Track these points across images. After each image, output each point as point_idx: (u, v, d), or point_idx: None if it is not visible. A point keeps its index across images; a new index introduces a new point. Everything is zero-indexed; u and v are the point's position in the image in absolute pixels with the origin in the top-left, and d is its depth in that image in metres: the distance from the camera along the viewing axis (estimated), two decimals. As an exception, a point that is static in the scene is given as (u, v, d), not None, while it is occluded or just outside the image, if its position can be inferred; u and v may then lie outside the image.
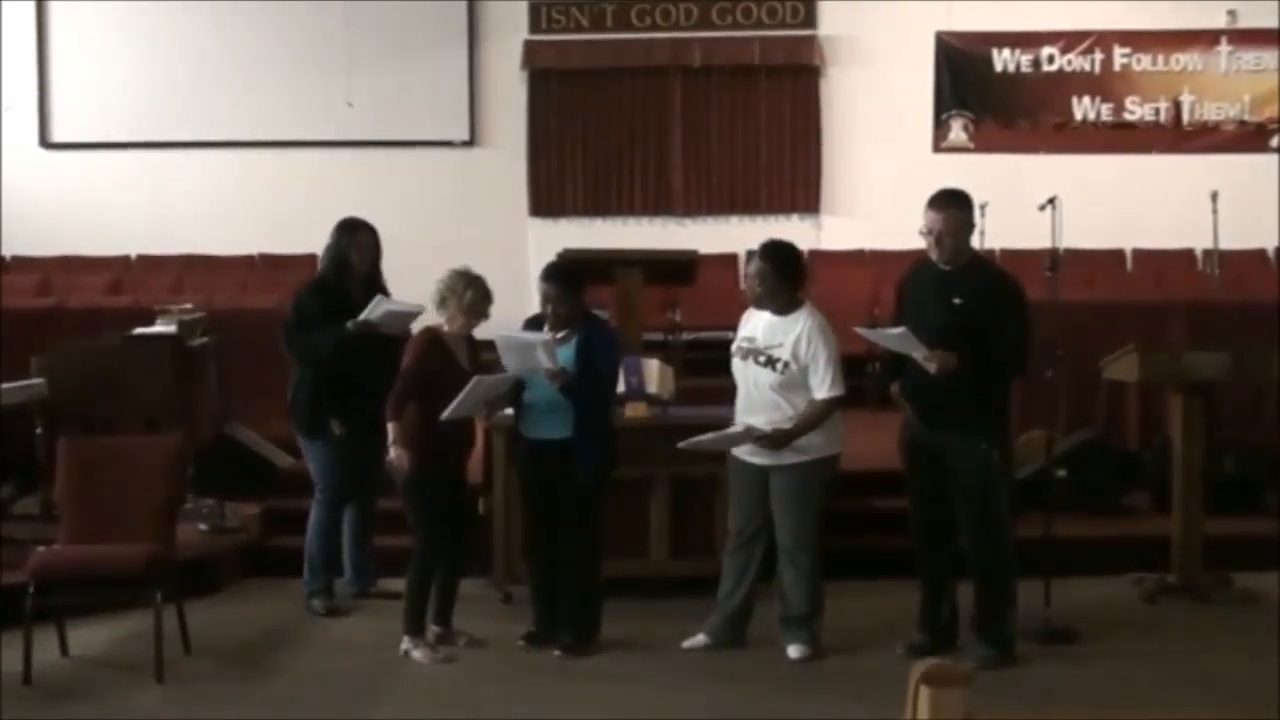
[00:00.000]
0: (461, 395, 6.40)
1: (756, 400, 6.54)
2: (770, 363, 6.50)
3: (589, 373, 6.59)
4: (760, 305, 6.61)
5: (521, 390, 6.64)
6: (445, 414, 6.44)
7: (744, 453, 6.63)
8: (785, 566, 6.63)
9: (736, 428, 6.54)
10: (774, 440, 6.45)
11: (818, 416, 6.47)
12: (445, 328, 6.71)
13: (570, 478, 6.60)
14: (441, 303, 6.68)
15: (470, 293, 6.65)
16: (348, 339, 7.18)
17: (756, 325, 6.63)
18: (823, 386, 6.46)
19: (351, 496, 7.52)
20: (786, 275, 6.59)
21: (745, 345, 6.61)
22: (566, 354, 6.59)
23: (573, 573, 6.70)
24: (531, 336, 6.55)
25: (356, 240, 7.42)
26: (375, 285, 7.47)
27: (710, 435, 6.59)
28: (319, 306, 7.32)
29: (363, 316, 7.18)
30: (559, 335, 6.63)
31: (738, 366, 6.65)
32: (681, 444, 6.72)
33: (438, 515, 6.67)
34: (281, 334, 7.40)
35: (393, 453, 6.60)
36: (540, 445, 6.67)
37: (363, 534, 7.62)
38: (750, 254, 6.76)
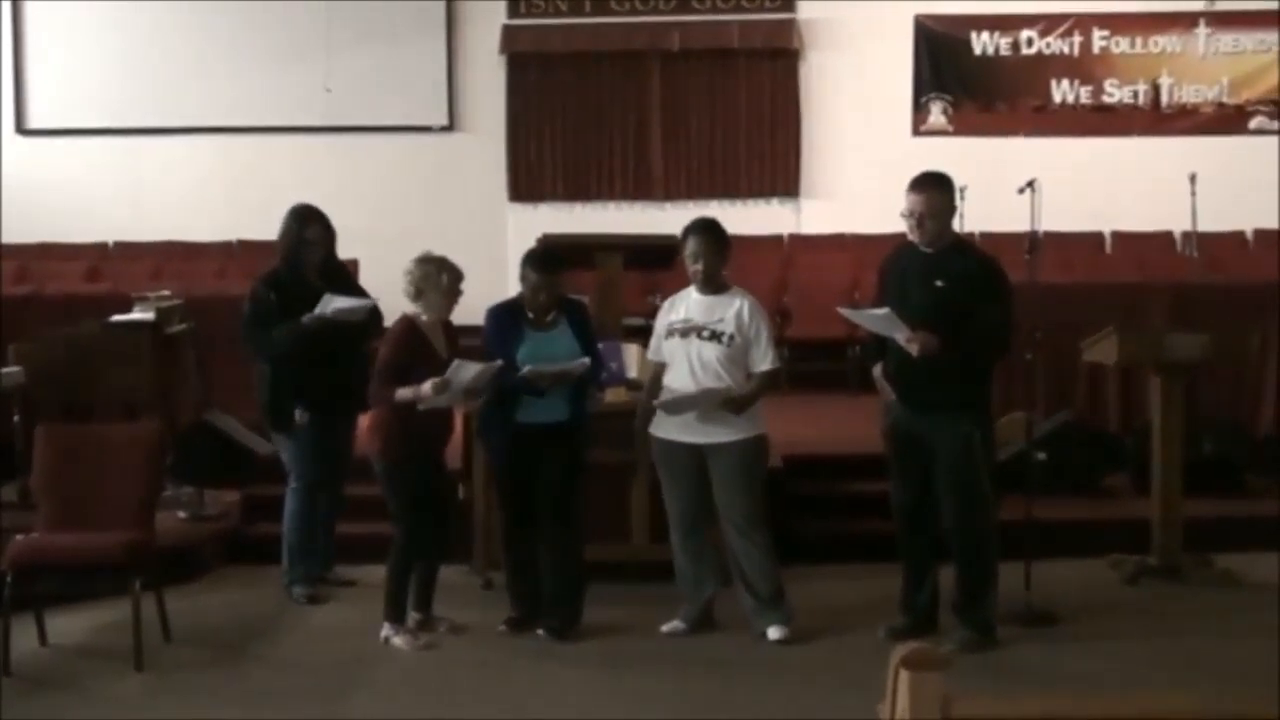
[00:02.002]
0: (439, 387, 6.42)
1: (700, 377, 6.58)
2: (715, 337, 6.58)
3: (586, 353, 6.72)
4: (705, 284, 6.69)
5: (508, 377, 6.63)
6: (422, 405, 6.46)
7: (677, 434, 6.66)
8: (742, 545, 6.64)
9: (714, 389, 6.55)
10: (737, 404, 6.51)
11: (765, 386, 6.66)
12: (423, 316, 6.68)
13: (561, 459, 6.64)
14: (418, 294, 6.64)
15: (445, 277, 6.63)
16: (304, 333, 7.17)
17: (689, 306, 6.72)
18: (765, 359, 6.63)
19: (325, 483, 7.52)
20: (725, 250, 6.74)
21: (681, 325, 6.67)
22: (564, 339, 6.69)
23: (557, 555, 6.71)
24: (573, 366, 6.61)
25: (305, 235, 7.36)
26: (331, 270, 7.43)
27: (689, 394, 6.60)
28: (275, 301, 7.28)
29: (315, 313, 7.16)
30: (548, 319, 6.70)
31: (676, 345, 6.68)
32: (657, 402, 6.73)
33: (416, 502, 6.66)
34: (242, 330, 7.38)
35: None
36: (533, 429, 6.67)
37: (331, 520, 7.61)
38: (685, 235, 6.78)
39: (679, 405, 6.65)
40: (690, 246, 6.69)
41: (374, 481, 6.85)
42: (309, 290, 7.23)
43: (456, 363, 6.46)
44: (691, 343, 6.63)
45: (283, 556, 7.48)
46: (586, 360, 6.65)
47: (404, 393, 6.49)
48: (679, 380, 6.66)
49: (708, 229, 6.74)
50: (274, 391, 7.35)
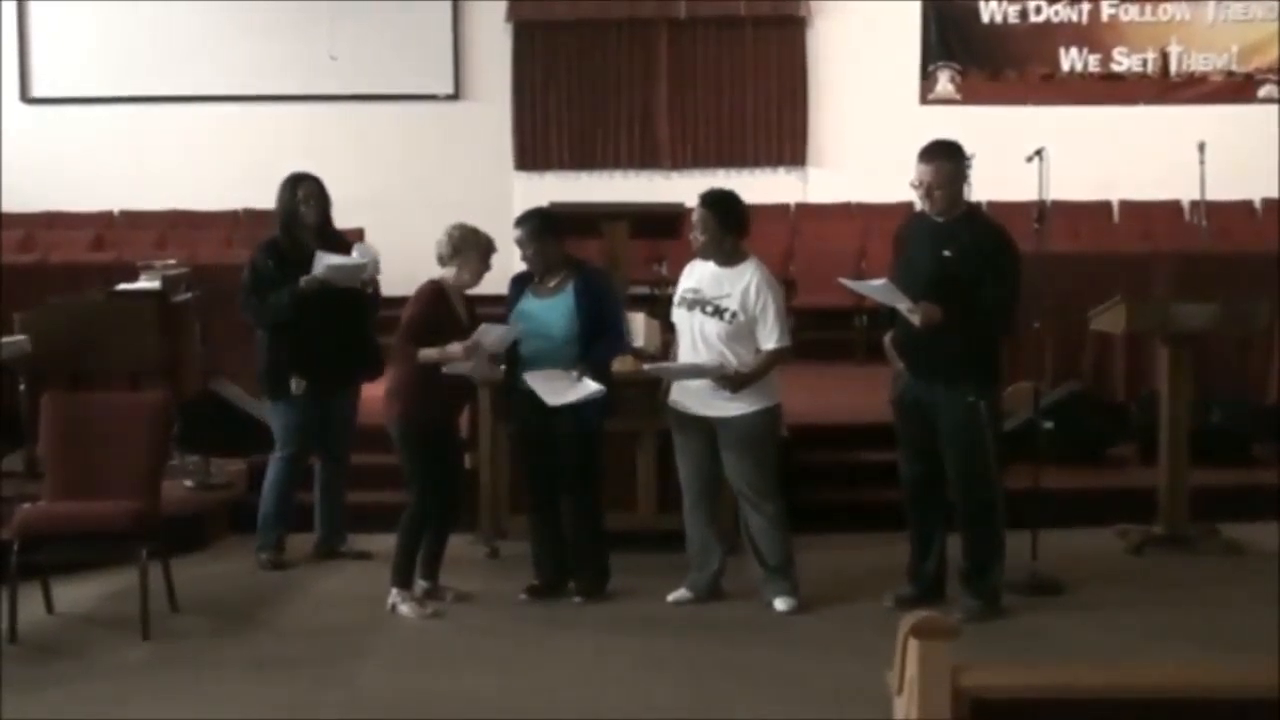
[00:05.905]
0: (469, 350, 6.46)
1: (703, 351, 6.54)
2: (718, 313, 6.51)
3: (592, 326, 6.65)
4: (704, 254, 6.61)
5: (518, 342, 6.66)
6: (447, 367, 6.49)
7: (689, 405, 6.63)
8: (751, 517, 6.63)
9: (709, 361, 6.51)
10: (733, 382, 6.44)
11: (767, 366, 6.53)
12: (452, 280, 6.69)
13: (568, 427, 6.64)
14: (455, 253, 6.66)
15: (482, 244, 6.69)
16: (303, 296, 7.16)
17: (701, 276, 6.63)
18: (771, 338, 6.51)
19: (312, 454, 7.54)
20: (728, 224, 6.59)
21: (690, 296, 6.61)
22: (557, 310, 6.64)
23: (575, 520, 6.78)
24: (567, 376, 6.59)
25: (301, 192, 7.36)
26: (328, 235, 7.42)
27: (681, 364, 6.60)
28: (274, 267, 7.29)
29: (311, 274, 7.15)
30: (551, 285, 6.69)
31: (682, 316, 6.64)
32: (648, 367, 6.74)
33: (435, 466, 6.66)
34: (239, 298, 7.38)
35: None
36: (536, 397, 6.67)
37: (333, 491, 7.62)
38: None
39: (669, 373, 6.66)
40: (694, 215, 6.64)
41: (387, 450, 6.84)
42: (307, 256, 7.21)
43: (484, 326, 6.51)
44: (695, 315, 6.57)
45: (258, 522, 7.51)
46: (591, 387, 6.52)
47: (429, 353, 6.51)
48: (683, 352, 6.65)
49: (711, 204, 6.60)
50: (271, 359, 7.35)
